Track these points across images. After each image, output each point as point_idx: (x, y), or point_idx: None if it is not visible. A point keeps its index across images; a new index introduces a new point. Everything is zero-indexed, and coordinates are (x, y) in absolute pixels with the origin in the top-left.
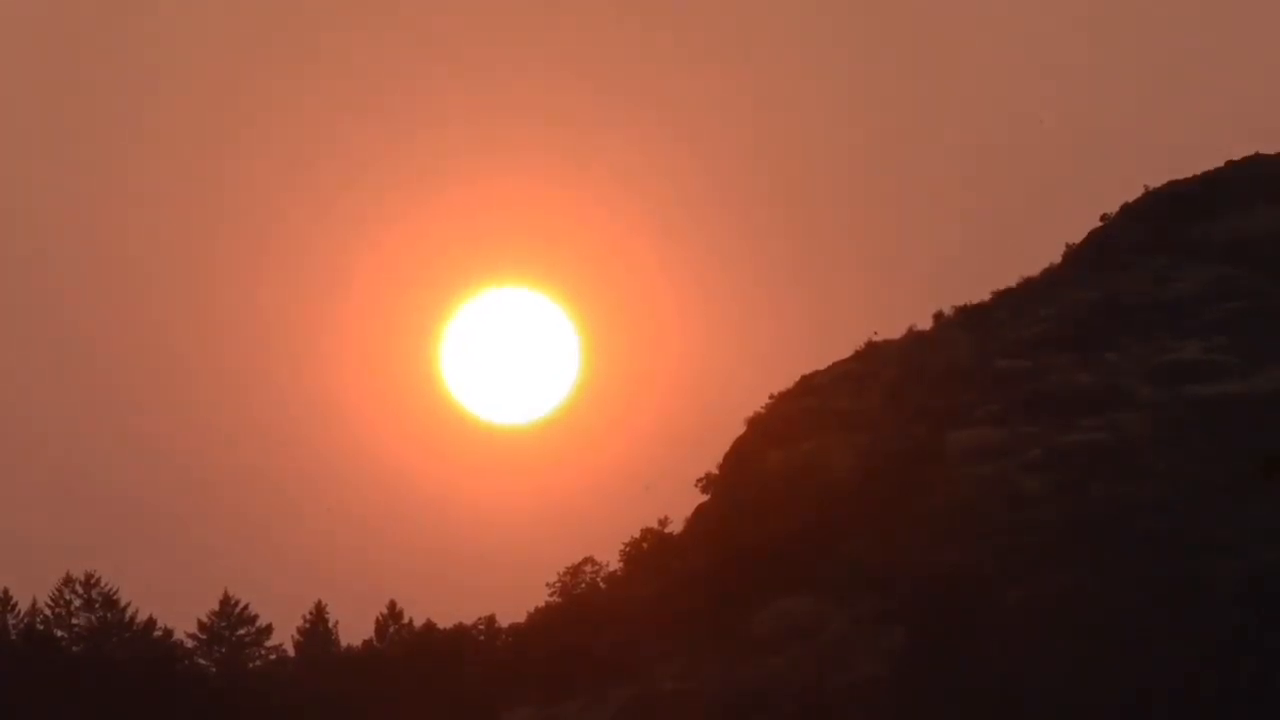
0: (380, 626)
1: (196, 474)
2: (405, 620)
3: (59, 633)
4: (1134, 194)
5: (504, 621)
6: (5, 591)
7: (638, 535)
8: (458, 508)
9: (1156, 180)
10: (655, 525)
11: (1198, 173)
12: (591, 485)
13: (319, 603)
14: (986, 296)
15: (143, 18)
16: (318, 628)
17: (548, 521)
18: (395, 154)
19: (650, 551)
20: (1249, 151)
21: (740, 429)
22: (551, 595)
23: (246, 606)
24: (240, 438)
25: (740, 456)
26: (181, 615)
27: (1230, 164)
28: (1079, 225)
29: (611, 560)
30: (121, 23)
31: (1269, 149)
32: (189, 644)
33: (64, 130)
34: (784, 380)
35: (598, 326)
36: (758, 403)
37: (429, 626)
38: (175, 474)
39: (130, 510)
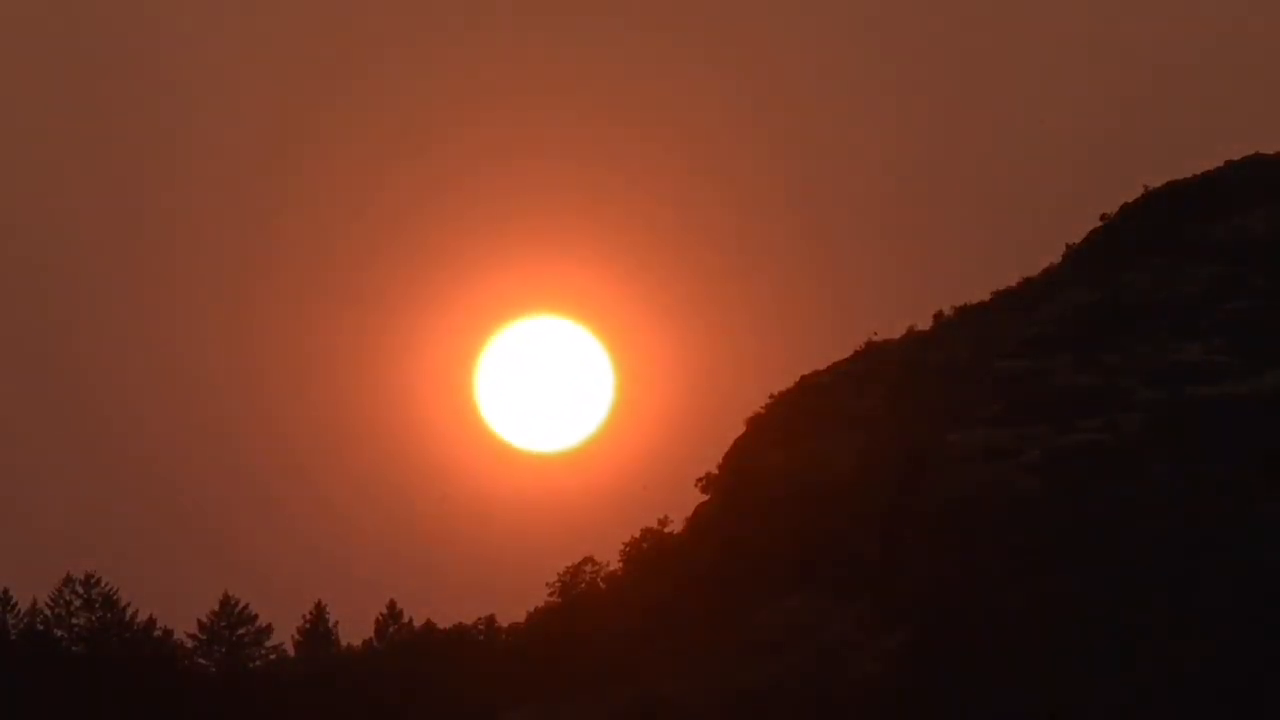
0: (380, 626)
1: (197, 475)
2: (405, 620)
3: (59, 633)
4: (1134, 194)
5: (504, 621)
6: (5, 591)
7: (638, 535)
8: (459, 509)
9: (1156, 180)
10: (655, 525)
11: (1198, 173)
12: (600, 491)
13: (319, 603)
14: (986, 296)
15: (199, 49)
16: (318, 628)
17: (548, 522)
18: (432, 185)
19: (650, 551)
20: (1249, 151)
21: (740, 429)
22: (551, 595)
23: (246, 606)
24: (247, 443)
25: (740, 456)
26: (181, 615)
27: (1230, 164)
28: (1079, 225)
29: (611, 560)
30: (168, 49)
31: (1269, 149)
32: (189, 644)
33: (102, 147)
34: (784, 380)
35: (631, 355)
36: (758, 403)
37: (429, 626)
38: (175, 474)
39: (130, 510)
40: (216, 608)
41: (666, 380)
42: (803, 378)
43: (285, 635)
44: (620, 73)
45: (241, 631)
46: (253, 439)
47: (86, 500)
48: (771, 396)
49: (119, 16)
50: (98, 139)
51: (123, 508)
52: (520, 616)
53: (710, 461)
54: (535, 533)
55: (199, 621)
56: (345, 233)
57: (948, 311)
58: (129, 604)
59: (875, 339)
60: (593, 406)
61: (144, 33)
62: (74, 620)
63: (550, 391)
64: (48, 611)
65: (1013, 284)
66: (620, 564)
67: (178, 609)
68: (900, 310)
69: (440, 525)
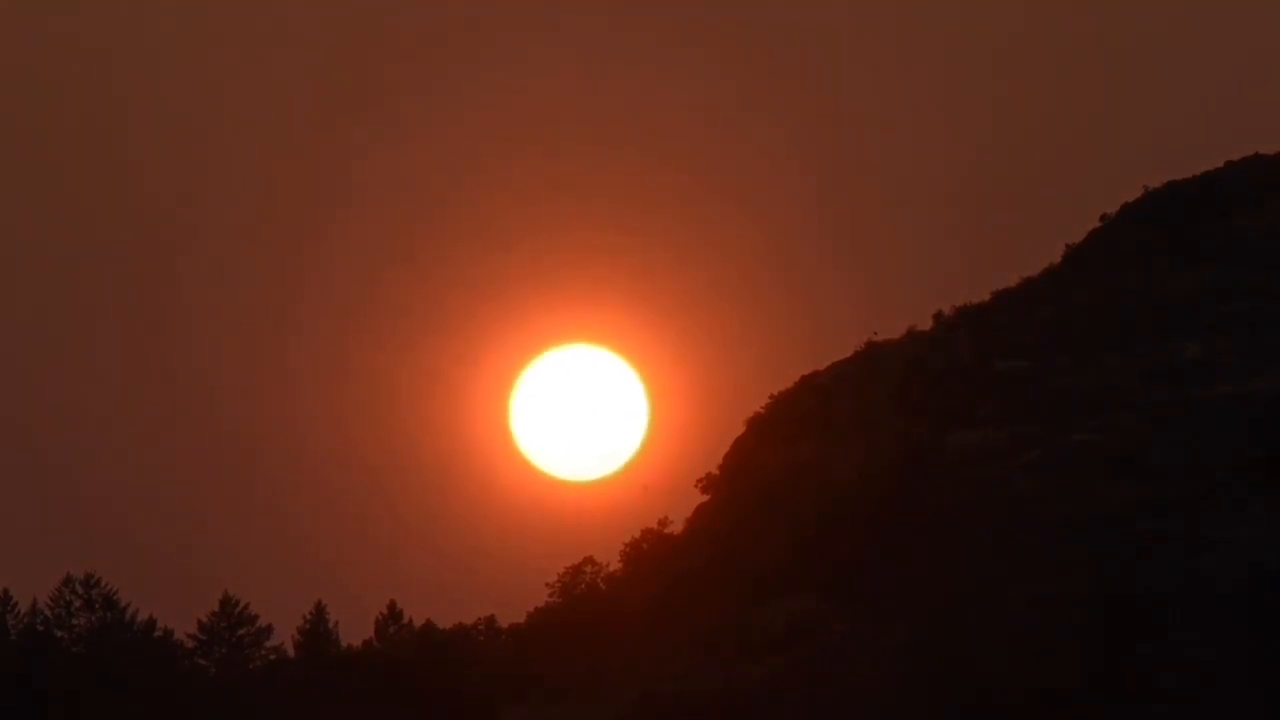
0: (380, 626)
1: (196, 475)
2: (405, 620)
3: (59, 633)
4: (1134, 194)
5: (504, 621)
6: (5, 591)
7: (638, 535)
8: (458, 509)
9: (1156, 180)
10: (655, 525)
11: (1198, 173)
12: (634, 519)
13: (319, 603)
14: (986, 296)
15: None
16: (318, 628)
17: (548, 522)
18: (469, 216)
19: (650, 551)
20: (1249, 151)
21: (740, 429)
22: (551, 595)
23: (246, 606)
24: (267, 453)
25: (740, 456)
26: (181, 615)
27: (1230, 164)
28: (1079, 225)
29: (611, 560)
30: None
31: (1269, 149)
32: (189, 644)
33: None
34: (784, 380)
35: (666, 383)
36: (758, 403)
37: (429, 626)
38: (175, 475)
39: (130, 510)
40: (216, 608)
41: (701, 408)
42: (803, 378)
43: (285, 635)
44: (643, 110)
45: (241, 631)
46: (276, 450)
47: (86, 500)
48: (771, 396)
49: (176, 40)
50: (142, 161)
51: (123, 508)
52: (520, 616)
53: (710, 461)
54: (543, 540)
55: (199, 621)
56: (386, 261)
57: (948, 311)
58: (129, 604)
59: (875, 339)
60: (627, 435)
61: (199, 59)
62: (74, 620)
63: (585, 420)
64: (48, 611)
65: (1013, 284)
66: (620, 564)
67: (178, 609)
68: (900, 310)
69: (445, 529)
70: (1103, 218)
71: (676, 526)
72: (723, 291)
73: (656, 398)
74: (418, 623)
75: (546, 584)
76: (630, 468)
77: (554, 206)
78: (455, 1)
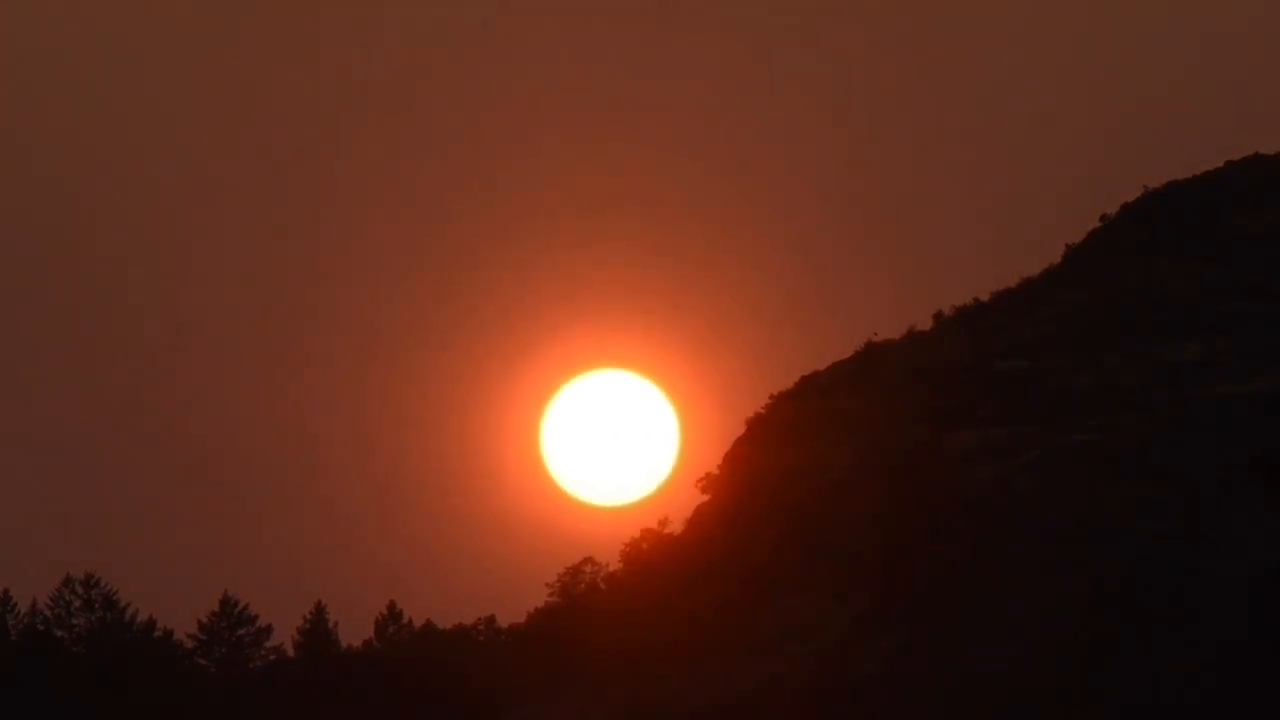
0: (380, 626)
1: (197, 475)
2: (405, 620)
3: (59, 633)
4: (1134, 194)
5: (504, 621)
6: (5, 591)
7: (638, 535)
8: (458, 509)
9: (1156, 180)
10: (655, 525)
11: (1197, 173)
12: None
13: (319, 603)
14: (986, 296)
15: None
16: (318, 628)
17: (548, 522)
18: (501, 241)
19: (650, 552)
20: (1249, 151)
21: (740, 429)
22: (551, 595)
23: (246, 606)
24: (267, 456)
25: (740, 456)
26: (181, 615)
27: (1230, 164)
28: (1079, 225)
29: (611, 560)
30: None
31: (1269, 149)
32: (189, 644)
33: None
34: (784, 380)
35: (697, 410)
36: (758, 403)
37: (429, 626)
38: (176, 475)
39: (133, 510)
40: (216, 608)
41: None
42: (803, 378)
43: (285, 635)
44: (668, 124)
45: (241, 632)
46: (282, 457)
47: (86, 500)
48: (771, 396)
49: (190, 50)
50: (161, 166)
51: (125, 508)
52: (520, 616)
53: (710, 462)
54: (540, 539)
55: (199, 622)
56: (416, 284)
57: (948, 311)
58: (129, 604)
59: (875, 339)
60: (657, 462)
61: (220, 71)
62: (74, 620)
63: (615, 446)
64: (47, 612)
65: (1013, 284)
66: (620, 564)
67: (178, 609)
68: (900, 310)
69: (430, 516)
70: (1103, 218)
71: (676, 526)
72: (760, 317)
73: (687, 424)
74: (418, 623)
75: (546, 584)
76: (660, 493)
77: (585, 224)
78: (485, 13)
